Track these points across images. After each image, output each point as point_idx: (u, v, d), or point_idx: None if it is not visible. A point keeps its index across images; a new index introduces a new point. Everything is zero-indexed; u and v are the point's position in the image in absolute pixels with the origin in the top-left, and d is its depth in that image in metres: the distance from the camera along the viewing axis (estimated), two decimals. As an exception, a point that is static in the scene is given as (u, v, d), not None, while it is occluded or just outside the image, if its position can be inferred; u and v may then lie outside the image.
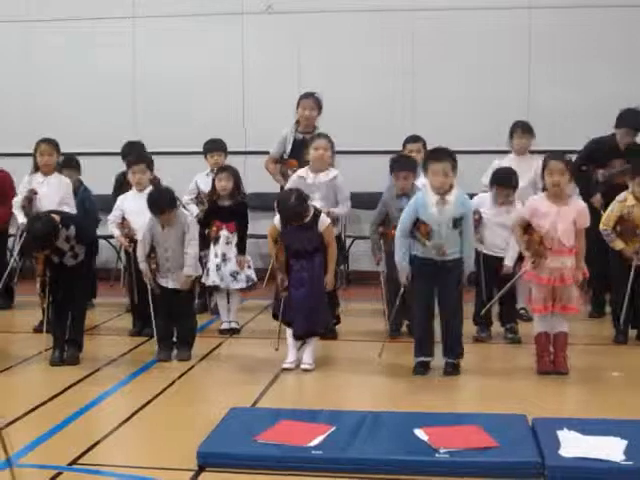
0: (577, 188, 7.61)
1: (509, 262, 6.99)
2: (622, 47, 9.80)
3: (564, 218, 6.07)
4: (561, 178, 6.10)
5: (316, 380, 6.19)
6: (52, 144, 7.85)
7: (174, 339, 6.74)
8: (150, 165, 7.52)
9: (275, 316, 6.48)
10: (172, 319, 6.70)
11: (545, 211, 6.11)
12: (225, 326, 7.61)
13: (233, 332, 7.54)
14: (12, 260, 7.76)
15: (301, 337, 6.41)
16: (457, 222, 6.07)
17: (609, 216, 7.03)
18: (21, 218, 7.67)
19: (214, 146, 8.38)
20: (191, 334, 6.77)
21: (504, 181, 7.17)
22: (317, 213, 6.39)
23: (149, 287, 6.74)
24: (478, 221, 7.04)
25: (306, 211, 6.23)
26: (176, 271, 6.64)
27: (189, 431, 4.86)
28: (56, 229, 6.31)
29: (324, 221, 6.37)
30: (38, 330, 7.44)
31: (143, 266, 6.71)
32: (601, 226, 7.01)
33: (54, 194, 7.53)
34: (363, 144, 9.92)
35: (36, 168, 7.90)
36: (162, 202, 6.58)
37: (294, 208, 6.18)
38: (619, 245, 6.99)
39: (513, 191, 7.13)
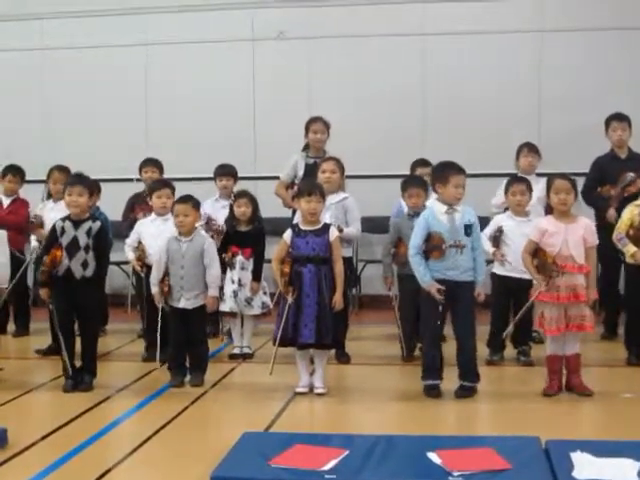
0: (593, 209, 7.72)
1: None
2: (633, 69, 9.84)
3: (573, 234, 6.11)
4: (567, 197, 6.15)
5: (329, 404, 6.18)
6: (65, 172, 7.92)
7: (187, 364, 6.75)
8: (174, 191, 7.49)
9: (274, 341, 6.38)
10: (184, 344, 6.70)
11: (554, 230, 6.14)
12: (237, 351, 7.61)
13: (246, 357, 7.55)
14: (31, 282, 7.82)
15: (308, 346, 6.32)
16: (468, 229, 6.11)
17: (622, 220, 6.99)
18: (33, 242, 7.76)
19: (224, 171, 8.42)
20: (204, 359, 6.77)
21: (515, 178, 7.37)
22: (328, 224, 6.43)
23: (160, 312, 6.76)
24: (499, 237, 7.06)
25: None
26: (189, 291, 6.66)
27: (202, 456, 4.86)
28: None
29: (333, 232, 6.38)
30: (45, 354, 7.52)
31: (155, 289, 6.74)
32: (614, 233, 6.96)
33: None
34: (374, 168, 9.97)
35: (49, 195, 7.97)
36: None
37: None
38: (631, 249, 6.86)
39: (527, 187, 7.16)
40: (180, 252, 6.67)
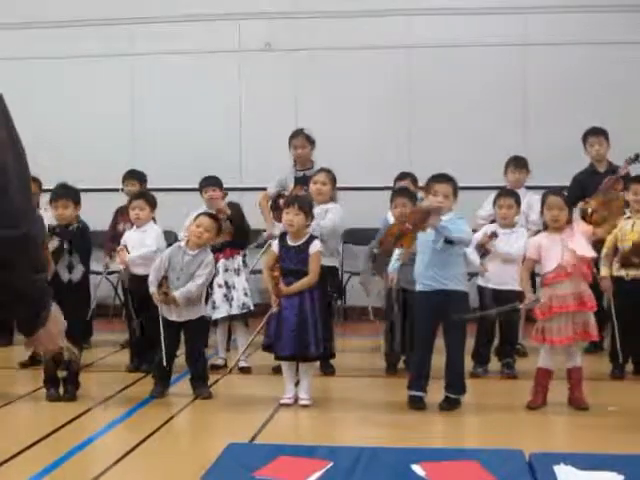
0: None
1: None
2: (617, 83, 9.88)
3: (571, 240, 6.13)
4: (560, 213, 6.18)
5: (314, 415, 6.18)
6: (37, 183, 7.86)
7: (171, 376, 6.73)
8: (151, 202, 7.49)
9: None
10: (174, 356, 6.68)
11: (548, 244, 6.19)
12: (220, 362, 7.57)
13: (243, 370, 7.38)
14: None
15: (288, 358, 6.34)
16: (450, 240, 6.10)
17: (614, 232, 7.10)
18: None
19: (209, 182, 8.41)
20: (205, 369, 6.74)
21: (503, 191, 7.40)
22: (312, 238, 6.45)
23: (161, 319, 6.69)
24: (490, 240, 7.04)
25: None
26: (184, 306, 6.60)
27: (187, 467, 4.85)
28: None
29: (315, 245, 6.39)
30: (25, 365, 7.48)
31: (153, 289, 6.64)
32: (604, 249, 7.03)
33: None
34: (360, 180, 9.95)
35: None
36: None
37: None
38: (604, 272, 7.00)
39: (515, 201, 7.19)
40: (180, 264, 6.65)
